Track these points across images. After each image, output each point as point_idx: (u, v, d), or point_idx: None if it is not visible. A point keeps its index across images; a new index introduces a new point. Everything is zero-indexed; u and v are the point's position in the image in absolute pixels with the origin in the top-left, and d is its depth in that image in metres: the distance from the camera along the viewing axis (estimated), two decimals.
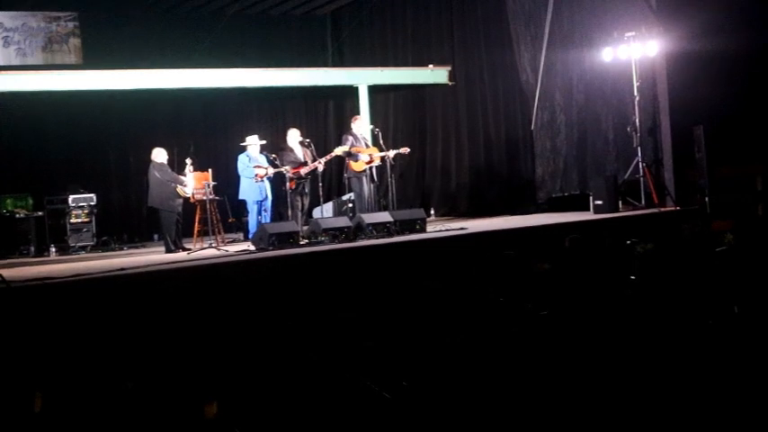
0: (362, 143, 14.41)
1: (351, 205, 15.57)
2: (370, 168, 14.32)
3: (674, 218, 13.31)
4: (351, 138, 14.39)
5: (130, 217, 18.21)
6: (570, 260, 9.54)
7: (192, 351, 6.86)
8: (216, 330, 7.58)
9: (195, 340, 7.26)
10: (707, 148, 13.64)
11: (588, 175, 15.66)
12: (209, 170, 13.88)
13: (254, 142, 14.25)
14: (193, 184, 13.66)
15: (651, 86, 14.60)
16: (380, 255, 11.74)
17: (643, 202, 14.37)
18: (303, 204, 14.17)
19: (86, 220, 15.75)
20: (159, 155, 13.96)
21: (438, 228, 13.93)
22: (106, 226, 16.51)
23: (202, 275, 10.67)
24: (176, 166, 14.39)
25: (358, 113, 15.94)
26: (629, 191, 14.60)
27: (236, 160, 14.28)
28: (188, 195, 13.69)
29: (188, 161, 13.81)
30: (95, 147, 17.84)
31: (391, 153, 14.46)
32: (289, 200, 13.58)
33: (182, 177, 13.76)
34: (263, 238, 12.39)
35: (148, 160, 14.07)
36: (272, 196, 14.32)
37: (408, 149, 15.13)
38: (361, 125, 14.77)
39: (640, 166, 14.33)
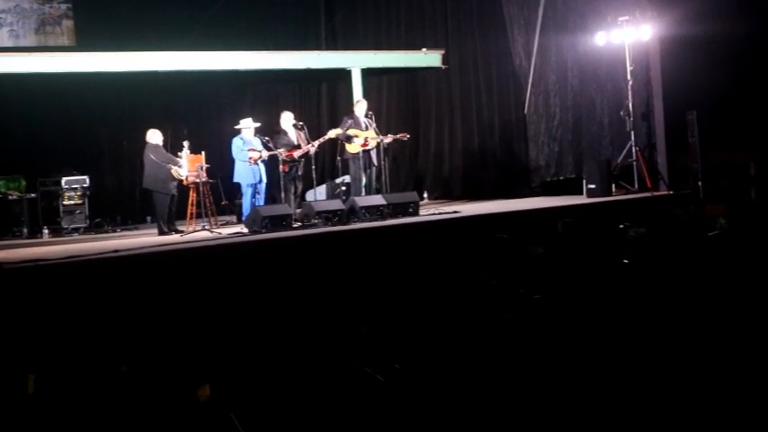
0: (363, 126, 14.35)
1: (344, 188, 15.55)
2: (367, 152, 14.28)
3: (666, 202, 13.35)
4: (350, 120, 14.34)
5: (123, 199, 18.21)
6: (563, 244, 9.55)
7: (185, 333, 6.86)
8: (209, 313, 7.58)
9: (188, 323, 7.26)
10: (700, 132, 13.67)
11: (583, 159, 15.68)
12: (202, 153, 13.90)
13: (248, 125, 14.20)
14: (187, 166, 13.67)
15: (645, 71, 14.62)
16: (373, 238, 11.75)
17: (636, 186, 14.40)
18: (296, 188, 14.16)
19: (79, 202, 15.71)
20: (154, 136, 13.94)
21: (431, 211, 13.93)
22: (99, 208, 16.49)
23: (196, 258, 10.67)
24: (169, 148, 14.39)
25: (351, 97, 15.91)
26: (623, 175, 14.63)
27: (230, 143, 14.25)
28: (182, 177, 13.70)
29: (185, 144, 13.80)
30: (88, 129, 17.81)
31: (389, 138, 14.44)
32: (282, 183, 13.59)
33: (177, 159, 13.75)
34: (256, 221, 12.40)
35: (141, 142, 14.05)
36: (266, 179, 14.30)
37: (408, 135, 15.05)
38: (363, 108, 14.66)
39: (633, 150, 14.35)
